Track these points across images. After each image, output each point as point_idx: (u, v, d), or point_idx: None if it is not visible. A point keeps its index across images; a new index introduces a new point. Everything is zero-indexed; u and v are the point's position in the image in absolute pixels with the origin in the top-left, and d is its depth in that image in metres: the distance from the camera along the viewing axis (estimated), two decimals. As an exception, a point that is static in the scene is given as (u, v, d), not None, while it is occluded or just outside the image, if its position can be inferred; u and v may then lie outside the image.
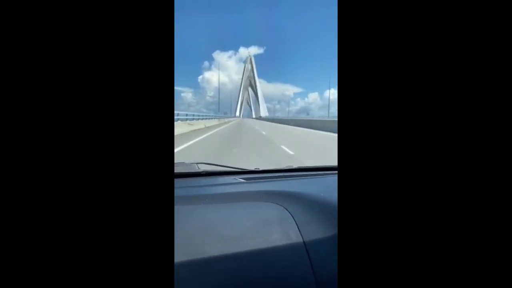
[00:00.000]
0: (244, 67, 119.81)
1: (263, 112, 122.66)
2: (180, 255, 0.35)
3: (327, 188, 0.58)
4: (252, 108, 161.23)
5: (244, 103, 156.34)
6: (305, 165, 0.99)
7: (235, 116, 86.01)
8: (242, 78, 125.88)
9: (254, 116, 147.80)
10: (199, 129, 10.72)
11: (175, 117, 9.86)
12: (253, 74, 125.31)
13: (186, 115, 11.85)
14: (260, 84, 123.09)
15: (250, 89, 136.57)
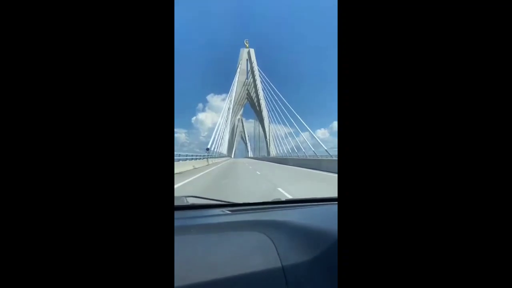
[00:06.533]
0: (238, 67, 65.70)
1: (275, 149, 63.65)
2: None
3: (307, 217, 0.62)
4: (248, 144, 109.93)
5: (237, 136, 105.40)
6: (289, 198, 1.05)
7: (219, 156, 34.30)
8: (234, 82, 64.57)
9: (251, 154, 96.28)
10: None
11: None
12: (253, 80, 63.92)
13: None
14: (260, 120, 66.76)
15: (246, 110, 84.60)
